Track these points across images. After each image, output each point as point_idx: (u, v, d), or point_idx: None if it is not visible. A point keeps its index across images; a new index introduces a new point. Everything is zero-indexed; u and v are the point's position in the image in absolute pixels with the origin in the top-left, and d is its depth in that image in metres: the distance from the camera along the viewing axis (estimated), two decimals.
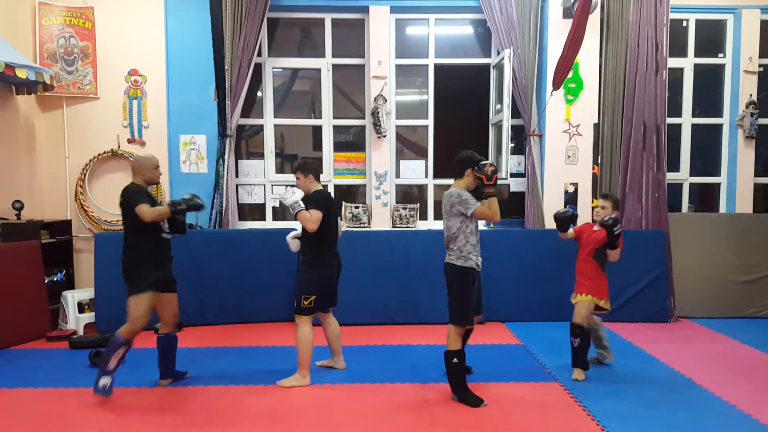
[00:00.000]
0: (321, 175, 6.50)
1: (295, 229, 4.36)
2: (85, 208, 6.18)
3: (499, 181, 6.53)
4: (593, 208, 4.32)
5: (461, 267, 3.84)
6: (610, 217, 4.14)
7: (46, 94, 5.92)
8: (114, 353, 3.81)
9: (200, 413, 3.64)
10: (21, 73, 5.10)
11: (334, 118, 6.71)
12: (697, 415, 3.59)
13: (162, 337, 4.13)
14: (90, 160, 6.18)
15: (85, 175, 6.19)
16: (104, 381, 3.79)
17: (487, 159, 6.61)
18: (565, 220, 4.42)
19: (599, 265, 4.29)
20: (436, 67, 6.66)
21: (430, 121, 6.70)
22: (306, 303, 4.04)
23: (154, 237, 3.95)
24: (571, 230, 4.48)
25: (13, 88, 5.75)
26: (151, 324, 5.20)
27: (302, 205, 3.98)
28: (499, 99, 6.33)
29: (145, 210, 3.77)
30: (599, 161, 6.27)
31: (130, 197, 3.85)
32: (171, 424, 3.49)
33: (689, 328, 5.79)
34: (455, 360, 3.81)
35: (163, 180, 6.24)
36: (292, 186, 4.23)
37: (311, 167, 4.24)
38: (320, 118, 6.71)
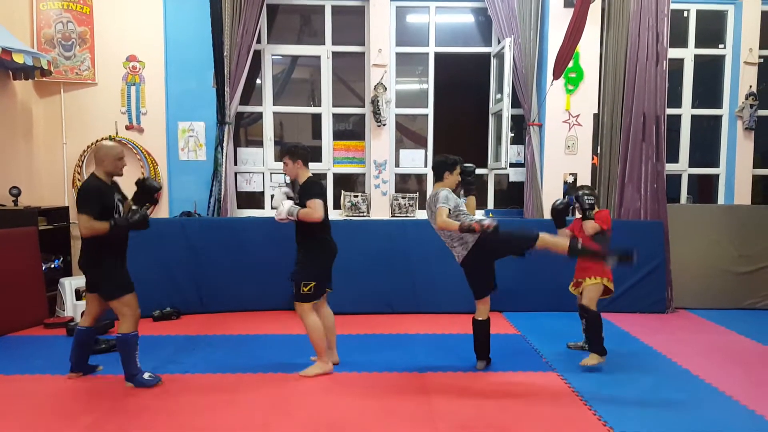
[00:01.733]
0: (310, 161, 6.53)
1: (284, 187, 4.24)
2: None
3: (498, 171, 6.59)
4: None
5: (467, 252, 4.00)
6: (584, 191, 4.30)
7: (44, 79, 5.87)
8: (134, 354, 3.80)
9: (197, 401, 3.64)
10: (18, 58, 5.05)
11: (334, 106, 6.68)
12: (694, 406, 3.60)
13: (84, 330, 3.98)
14: (88, 147, 6.15)
15: (82, 161, 6.16)
16: (145, 376, 3.82)
17: (487, 149, 6.66)
18: (562, 211, 4.45)
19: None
20: (437, 55, 6.62)
21: (430, 110, 6.67)
22: (306, 290, 4.00)
23: (116, 236, 3.78)
24: (566, 229, 4.48)
25: (10, 73, 5.71)
26: (149, 312, 5.22)
27: (296, 207, 3.93)
28: (500, 88, 6.30)
29: (83, 223, 3.62)
30: (599, 151, 6.27)
31: (80, 203, 3.66)
32: (168, 410, 3.50)
33: (687, 318, 5.81)
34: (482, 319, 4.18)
35: (162, 168, 6.24)
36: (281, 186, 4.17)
37: (300, 152, 4.08)
38: (320, 106, 6.68)
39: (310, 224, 3.97)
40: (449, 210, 3.93)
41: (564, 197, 6.11)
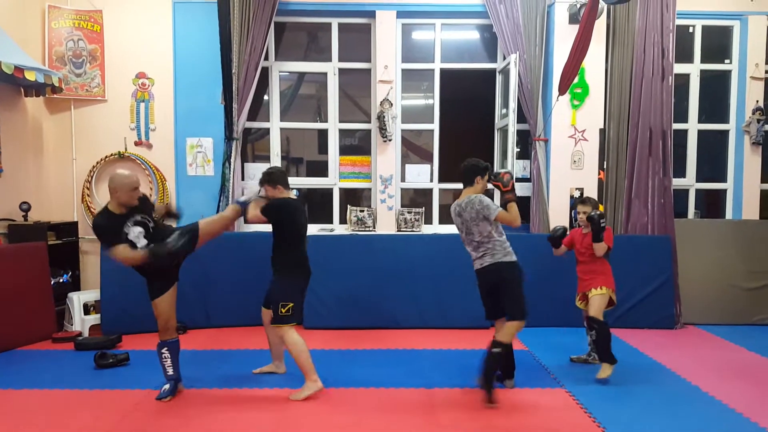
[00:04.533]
0: (317, 176, 6.79)
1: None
2: (92, 210, 6.20)
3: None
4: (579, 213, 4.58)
5: (512, 262, 4.00)
6: (597, 212, 4.31)
7: (55, 96, 5.95)
8: (162, 361, 3.91)
9: (204, 416, 3.64)
10: (30, 76, 5.13)
11: (340, 121, 6.73)
12: (703, 423, 3.57)
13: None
14: (97, 162, 6.21)
15: (92, 177, 6.22)
16: (164, 386, 3.92)
17: (493, 164, 6.68)
18: (558, 238, 4.65)
19: (606, 261, 4.43)
20: (442, 71, 6.66)
21: (435, 126, 6.70)
22: (284, 311, 3.89)
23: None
24: (562, 246, 4.68)
25: (22, 90, 5.79)
26: (156, 327, 5.20)
27: (256, 196, 3.97)
28: (505, 104, 6.33)
29: (118, 255, 3.63)
30: (605, 166, 6.27)
31: (101, 238, 3.75)
32: (174, 425, 3.50)
33: (695, 334, 5.76)
34: (499, 350, 3.88)
35: (170, 183, 6.29)
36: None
37: (276, 177, 4.05)
38: (326, 121, 6.73)
39: (285, 247, 3.97)
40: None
41: (571, 211, 6.18)
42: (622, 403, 3.87)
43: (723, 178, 6.76)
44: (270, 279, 4.15)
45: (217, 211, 6.15)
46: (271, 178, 4.06)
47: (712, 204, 6.92)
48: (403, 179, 6.74)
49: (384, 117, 6.30)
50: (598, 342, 4.28)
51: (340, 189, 6.75)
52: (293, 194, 4.14)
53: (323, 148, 6.78)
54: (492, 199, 4.18)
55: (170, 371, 3.91)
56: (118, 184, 3.68)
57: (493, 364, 3.88)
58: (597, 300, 4.35)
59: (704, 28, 6.61)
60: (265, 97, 6.70)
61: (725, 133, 6.72)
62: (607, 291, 4.37)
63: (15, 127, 5.75)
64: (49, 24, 6.08)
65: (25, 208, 5.63)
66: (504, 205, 4.05)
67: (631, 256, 5.73)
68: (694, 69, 6.65)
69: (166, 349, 3.91)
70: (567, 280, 5.05)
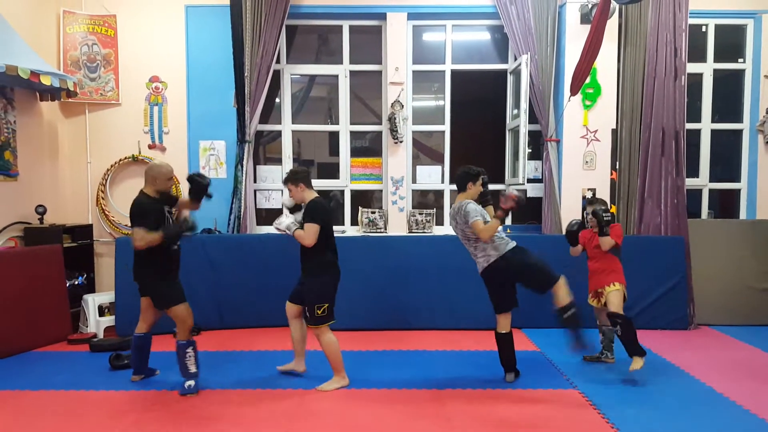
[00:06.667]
0: (328, 177, 6.83)
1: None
2: (107, 212, 6.27)
3: (516, 188, 6.57)
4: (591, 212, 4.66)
5: (509, 251, 4.10)
6: (600, 207, 4.45)
7: (69, 100, 6.02)
8: (183, 360, 4.02)
9: (218, 417, 3.67)
10: (45, 80, 5.18)
11: (351, 123, 6.75)
12: (717, 424, 3.55)
13: (140, 336, 4.25)
14: (111, 166, 6.28)
15: (106, 180, 6.29)
16: (186, 384, 4.02)
17: (504, 165, 6.67)
18: (574, 233, 4.70)
19: (617, 259, 4.52)
20: (453, 73, 6.67)
21: (446, 127, 6.71)
22: (320, 312, 4.02)
23: (167, 250, 4.06)
24: (579, 246, 4.74)
25: (37, 94, 5.86)
26: (169, 328, 5.27)
27: (295, 225, 4.05)
28: (516, 104, 6.32)
29: (137, 236, 3.88)
30: (617, 167, 6.24)
31: (135, 218, 3.95)
32: (188, 426, 3.53)
33: (709, 335, 5.72)
34: (572, 310, 4.03)
35: (183, 186, 6.33)
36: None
37: (301, 176, 4.17)
38: (337, 123, 6.76)
39: (315, 249, 4.03)
40: (484, 221, 4.01)
41: (582, 212, 6.13)
42: (634, 403, 3.85)
43: (737, 178, 6.71)
44: (295, 277, 4.29)
45: (230, 214, 6.20)
46: (296, 177, 4.17)
47: (725, 204, 6.86)
48: (414, 181, 6.75)
49: (395, 118, 6.31)
50: (625, 336, 4.28)
51: (352, 191, 6.77)
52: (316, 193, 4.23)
53: (334, 150, 6.81)
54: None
55: (194, 368, 4.05)
56: (156, 173, 4.09)
57: (574, 323, 4.00)
58: (614, 296, 4.42)
59: (717, 27, 6.55)
60: (277, 100, 6.74)
61: (739, 132, 6.66)
62: (621, 287, 4.46)
63: (31, 131, 5.82)
64: (64, 29, 6.15)
65: (41, 211, 5.70)
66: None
67: (644, 256, 5.70)
68: (707, 68, 6.60)
69: (191, 348, 4.04)
70: (578, 281, 5.02)
